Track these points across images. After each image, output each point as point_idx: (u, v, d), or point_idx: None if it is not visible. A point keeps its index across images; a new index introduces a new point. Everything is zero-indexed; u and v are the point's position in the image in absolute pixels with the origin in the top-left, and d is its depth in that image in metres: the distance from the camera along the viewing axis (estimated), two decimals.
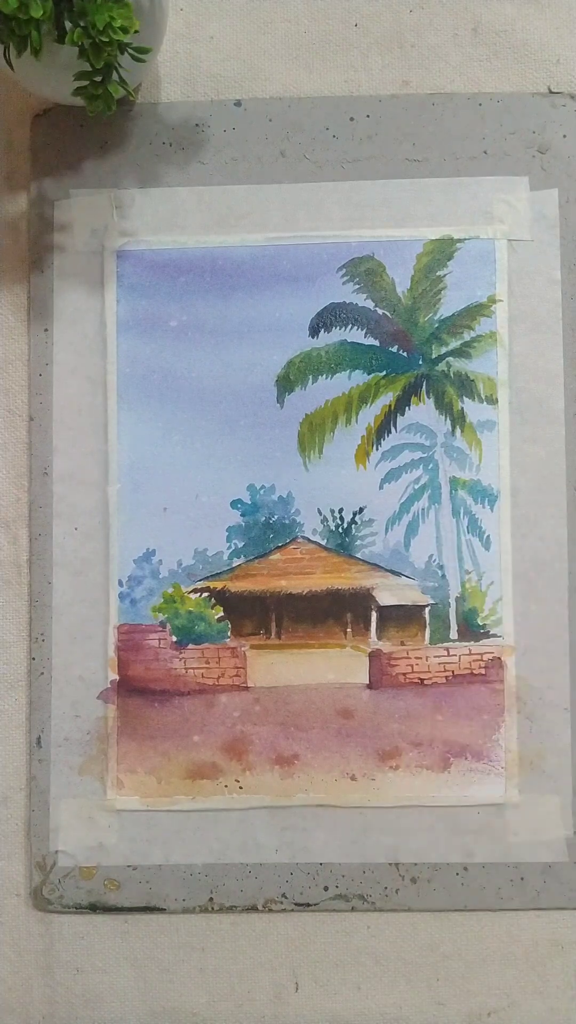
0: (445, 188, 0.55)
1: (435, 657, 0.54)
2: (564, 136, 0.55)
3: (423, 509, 0.55)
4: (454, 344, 0.55)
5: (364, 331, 0.55)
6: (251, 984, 0.54)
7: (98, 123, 0.55)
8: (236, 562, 0.55)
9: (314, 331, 0.55)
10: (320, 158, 0.55)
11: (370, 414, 0.55)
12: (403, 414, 0.55)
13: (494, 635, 0.54)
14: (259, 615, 0.55)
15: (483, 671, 0.54)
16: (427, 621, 0.54)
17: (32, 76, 0.50)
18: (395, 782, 0.54)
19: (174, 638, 0.55)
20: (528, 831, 0.53)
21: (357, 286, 0.55)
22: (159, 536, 0.55)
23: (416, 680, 0.54)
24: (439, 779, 0.54)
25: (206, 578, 0.55)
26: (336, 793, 0.54)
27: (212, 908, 0.54)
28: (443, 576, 0.55)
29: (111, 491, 0.55)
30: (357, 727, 0.54)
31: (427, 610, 0.54)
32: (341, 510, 0.55)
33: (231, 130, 0.56)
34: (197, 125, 0.56)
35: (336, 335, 0.55)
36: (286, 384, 0.55)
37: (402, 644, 0.54)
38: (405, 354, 0.55)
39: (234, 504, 0.55)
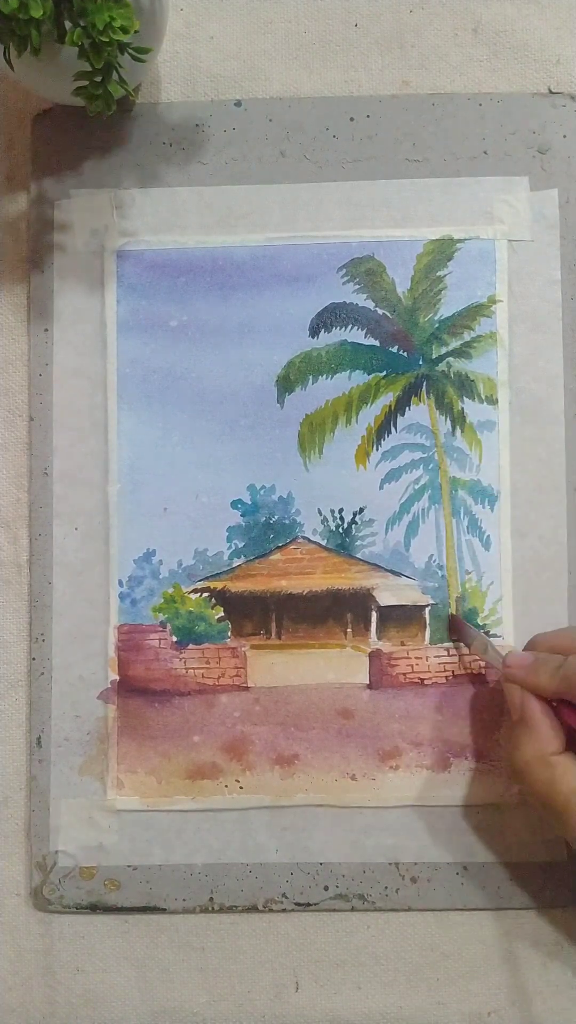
0: (445, 188, 0.55)
1: (435, 657, 0.54)
2: (564, 136, 0.55)
3: (423, 509, 0.55)
4: (454, 344, 0.55)
5: (364, 331, 0.55)
6: (251, 984, 0.54)
7: (98, 123, 0.55)
8: (236, 562, 0.55)
9: (314, 331, 0.55)
10: (320, 158, 0.55)
11: (370, 414, 0.55)
12: (403, 414, 0.55)
13: (494, 635, 0.54)
14: (259, 615, 0.55)
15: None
16: (427, 621, 0.54)
17: (32, 76, 0.50)
18: (395, 782, 0.54)
19: (174, 638, 0.55)
20: (528, 831, 0.53)
21: (357, 286, 0.55)
22: (159, 536, 0.55)
23: (416, 680, 0.54)
24: (439, 779, 0.54)
25: (206, 578, 0.55)
26: (336, 793, 0.54)
27: (212, 908, 0.54)
28: (443, 576, 0.55)
29: (111, 491, 0.55)
30: (357, 727, 0.54)
31: (427, 610, 0.54)
32: (341, 510, 0.55)
33: (231, 130, 0.56)
34: (197, 125, 0.56)
35: (336, 335, 0.55)
36: (286, 384, 0.55)
37: (402, 644, 0.54)
38: (405, 354, 0.55)
39: (234, 504, 0.55)
